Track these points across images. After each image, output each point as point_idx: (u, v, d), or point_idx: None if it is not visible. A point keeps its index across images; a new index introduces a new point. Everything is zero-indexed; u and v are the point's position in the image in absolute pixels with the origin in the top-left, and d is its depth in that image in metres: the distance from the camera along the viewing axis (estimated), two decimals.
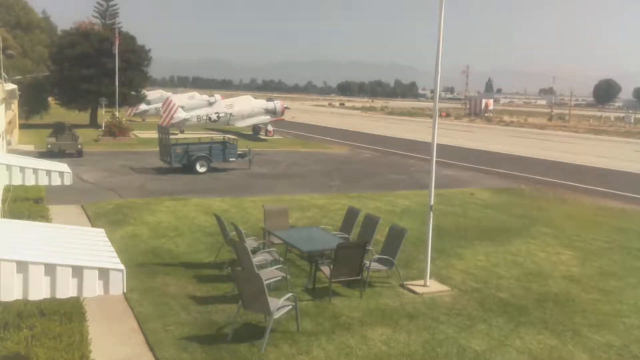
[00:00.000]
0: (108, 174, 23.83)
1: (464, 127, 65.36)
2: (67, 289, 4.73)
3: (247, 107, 43.34)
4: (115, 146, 34.30)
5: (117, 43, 42.03)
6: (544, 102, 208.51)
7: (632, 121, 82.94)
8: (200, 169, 24.66)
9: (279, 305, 8.52)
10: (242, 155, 26.08)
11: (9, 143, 25.83)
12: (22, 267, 4.56)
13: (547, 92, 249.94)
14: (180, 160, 24.46)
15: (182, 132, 39.90)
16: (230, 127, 43.45)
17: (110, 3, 52.00)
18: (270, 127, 43.69)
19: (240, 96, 48.13)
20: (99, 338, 7.66)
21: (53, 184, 9.40)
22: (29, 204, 12.92)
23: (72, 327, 6.91)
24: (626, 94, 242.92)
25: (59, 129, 32.20)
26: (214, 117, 41.53)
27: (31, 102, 43.92)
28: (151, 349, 8.19)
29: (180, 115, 39.57)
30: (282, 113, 45.16)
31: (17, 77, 34.72)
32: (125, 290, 4.98)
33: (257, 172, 25.71)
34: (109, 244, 5.73)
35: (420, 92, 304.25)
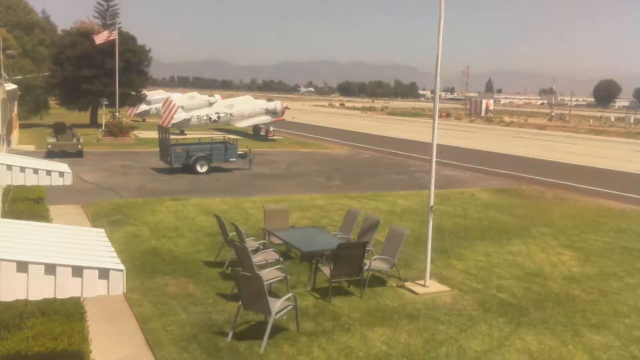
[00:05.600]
0: (108, 174, 23.83)
1: (464, 128, 65.36)
2: (67, 289, 4.72)
3: (247, 107, 43.33)
4: (115, 146, 34.29)
5: (113, 38, 41.64)
6: (544, 102, 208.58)
7: (632, 121, 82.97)
8: (200, 169, 24.67)
9: (279, 306, 8.52)
10: (242, 156, 26.09)
11: (9, 143, 25.84)
12: (22, 267, 4.56)
13: (547, 92, 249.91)
14: (180, 160, 24.47)
15: (181, 132, 39.88)
16: (231, 127, 43.46)
17: (111, 3, 52.04)
18: (271, 128, 43.70)
19: (241, 96, 48.13)
20: (99, 338, 7.66)
21: (53, 184, 9.38)
22: (29, 204, 12.90)
23: (72, 327, 6.90)
24: (626, 94, 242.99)
25: (59, 129, 32.23)
26: (214, 117, 41.51)
27: (31, 102, 43.90)
28: (151, 349, 8.19)
29: (181, 115, 39.57)
30: (283, 113, 45.15)
31: (17, 77, 34.72)
32: (125, 290, 4.97)
33: (257, 173, 25.72)
34: (109, 244, 5.72)
35: (420, 92, 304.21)
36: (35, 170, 8.98)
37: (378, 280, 11.23)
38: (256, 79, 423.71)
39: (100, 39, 41.52)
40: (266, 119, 43.44)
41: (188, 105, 41.39)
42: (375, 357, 8.14)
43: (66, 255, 4.95)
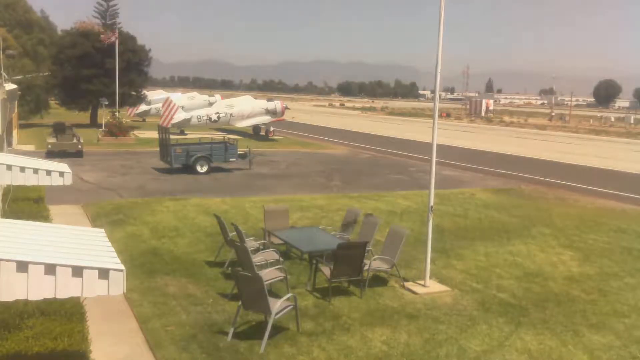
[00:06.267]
0: (108, 174, 23.83)
1: (464, 128, 65.36)
2: (67, 289, 4.72)
3: (247, 107, 43.35)
4: (115, 146, 34.31)
5: (115, 38, 41.96)
6: (544, 102, 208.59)
7: (632, 121, 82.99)
8: (200, 169, 24.68)
9: (279, 306, 8.52)
10: (242, 156, 26.10)
11: (9, 143, 25.84)
12: (22, 267, 4.56)
13: (547, 92, 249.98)
14: (180, 160, 24.48)
15: (181, 132, 39.87)
16: (231, 127, 43.47)
17: (110, 3, 52.04)
18: (271, 127, 43.73)
19: (241, 96, 48.14)
20: (99, 338, 7.66)
21: (53, 184, 9.38)
22: (29, 204, 12.90)
23: (72, 327, 6.91)
24: (626, 94, 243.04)
25: (59, 129, 32.23)
26: (214, 117, 41.53)
27: (31, 102, 43.93)
28: (151, 349, 8.19)
29: (181, 115, 39.58)
30: (283, 113, 45.17)
31: (17, 77, 34.73)
32: (125, 290, 4.97)
33: (257, 173, 25.72)
34: (109, 244, 5.71)
35: (421, 92, 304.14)
36: (35, 170, 8.98)
37: (378, 280, 11.23)
38: (256, 79, 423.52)
39: (106, 39, 41.92)
40: (266, 119, 43.45)
41: (188, 105, 41.42)
42: (375, 357, 8.14)
43: (66, 255, 4.95)
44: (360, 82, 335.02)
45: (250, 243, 11.62)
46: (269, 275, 9.89)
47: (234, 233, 11.69)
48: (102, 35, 42.36)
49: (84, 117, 50.36)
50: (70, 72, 45.65)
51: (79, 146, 28.97)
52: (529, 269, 12.55)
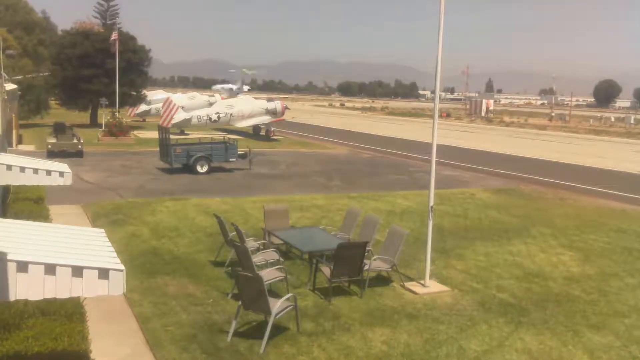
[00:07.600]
0: (108, 174, 23.83)
1: (464, 128, 65.35)
2: (67, 289, 4.71)
3: (247, 107, 43.35)
4: (115, 146, 34.30)
5: (116, 40, 42.07)
6: (544, 102, 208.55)
7: (632, 121, 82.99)
8: (200, 169, 24.68)
9: (279, 306, 8.52)
10: (242, 156, 26.10)
11: (9, 143, 25.84)
12: (22, 267, 4.56)
13: (547, 92, 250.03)
14: (180, 160, 24.49)
15: (182, 132, 39.86)
16: (231, 127, 43.48)
17: (111, 3, 52.07)
18: (272, 127, 43.73)
19: (241, 96, 48.13)
20: (99, 338, 7.65)
21: (53, 184, 9.36)
22: (29, 204, 12.89)
23: (72, 327, 6.90)
24: (626, 94, 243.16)
25: (59, 129, 32.22)
26: (214, 117, 41.53)
27: (32, 102, 43.94)
28: (151, 349, 8.19)
29: (181, 115, 39.57)
30: (283, 113, 45.17)
31: (17, 77, 34.73)
32: (125, 290, 4.97)
33: (257, 173, 25.72)
34: (109, 244, 5.71)
35: (421, 92, 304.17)
36: (35, 170, 8.96)
37: (378, 280, 11.23)
38: (256, 79, 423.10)
39: (112, 45, 42.07)
40: (266, 119, 43.46)
41: (188, 105, 41.40)
42: (375, 357, 8.14)
43: (66, 255, 4.94)
44: (361, 82, 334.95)
45: (251, 243, 11.62)
46: (269, 275, 9.89)
47: (234, 233, 11.69)
48: (112, 46, 42.41)
49: (84, 117, 50.35)
50: (71, 72, 45.62)
51: (79, 146, 28.96)
52: (529, 269, 12.55)
